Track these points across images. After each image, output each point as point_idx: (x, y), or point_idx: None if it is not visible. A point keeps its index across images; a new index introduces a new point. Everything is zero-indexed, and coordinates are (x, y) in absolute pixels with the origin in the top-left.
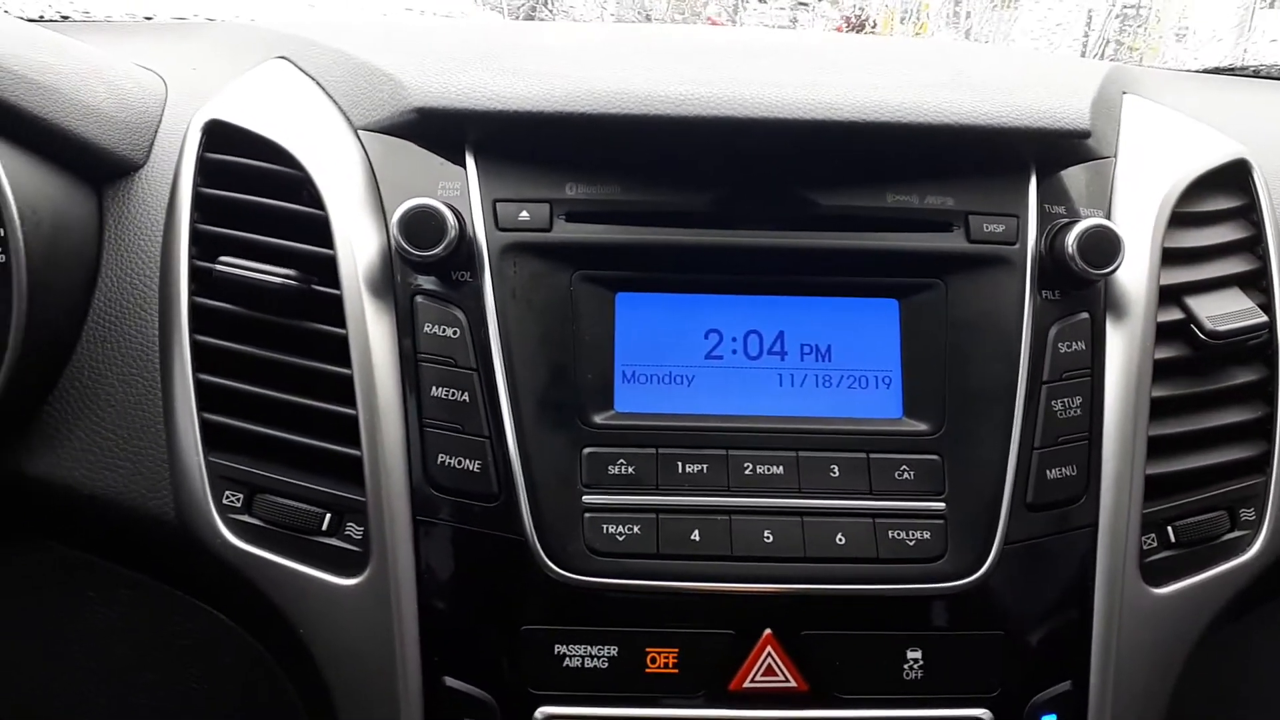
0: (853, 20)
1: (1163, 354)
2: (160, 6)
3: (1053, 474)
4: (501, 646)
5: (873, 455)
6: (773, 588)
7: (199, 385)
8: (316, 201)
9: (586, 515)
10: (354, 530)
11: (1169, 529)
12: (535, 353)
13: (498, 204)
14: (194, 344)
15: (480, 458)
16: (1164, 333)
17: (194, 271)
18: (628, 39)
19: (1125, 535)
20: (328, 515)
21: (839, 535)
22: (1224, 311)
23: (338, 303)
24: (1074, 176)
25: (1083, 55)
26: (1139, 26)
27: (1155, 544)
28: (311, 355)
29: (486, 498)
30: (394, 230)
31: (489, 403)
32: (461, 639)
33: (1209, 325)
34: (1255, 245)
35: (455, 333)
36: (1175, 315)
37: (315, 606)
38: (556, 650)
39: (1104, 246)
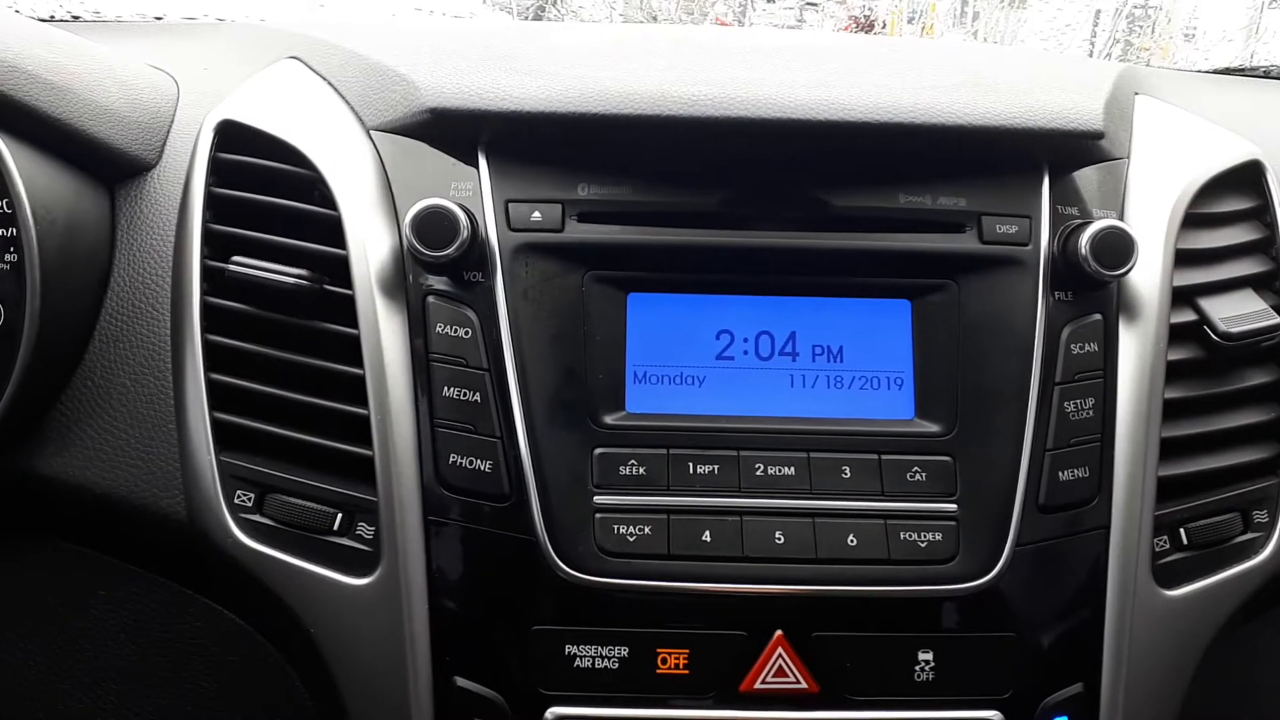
0: (860, 20)
1: (1175, 355)
2: (170, 7)
3: (1065, 476)
4: (512, 646)
5: (884, 456)
6: (784, 589)
7: (211, 385)
8: (329, 202)
9: (597, 516)
10: (365, 530)
11: (1181, 531)
12: (547, 353)
13: (510, 204)
14: (206, 344)
15: (491, 458)
16: (1177, 334)
17: (206, 271)
18: (637, 39)
19: (1137, 537)
20: (339, 515)
21: (850, 536)
22: (1237, 313)
23: (350, 303)
24: (1087, 177)
25: (1091, 55)
26: (1148, 27)
27: (1168, 546)
28: (323, 355)
29: (498, 498)
30: (406, 230)
31: (500, 403)
32: (472, 639)
33: (1222, 327)
34: (1269, 247)
35: (467, 333)
36: (1188, 317)
37: (326, 606)
38: (567, 650)
39: (1117, 248)
